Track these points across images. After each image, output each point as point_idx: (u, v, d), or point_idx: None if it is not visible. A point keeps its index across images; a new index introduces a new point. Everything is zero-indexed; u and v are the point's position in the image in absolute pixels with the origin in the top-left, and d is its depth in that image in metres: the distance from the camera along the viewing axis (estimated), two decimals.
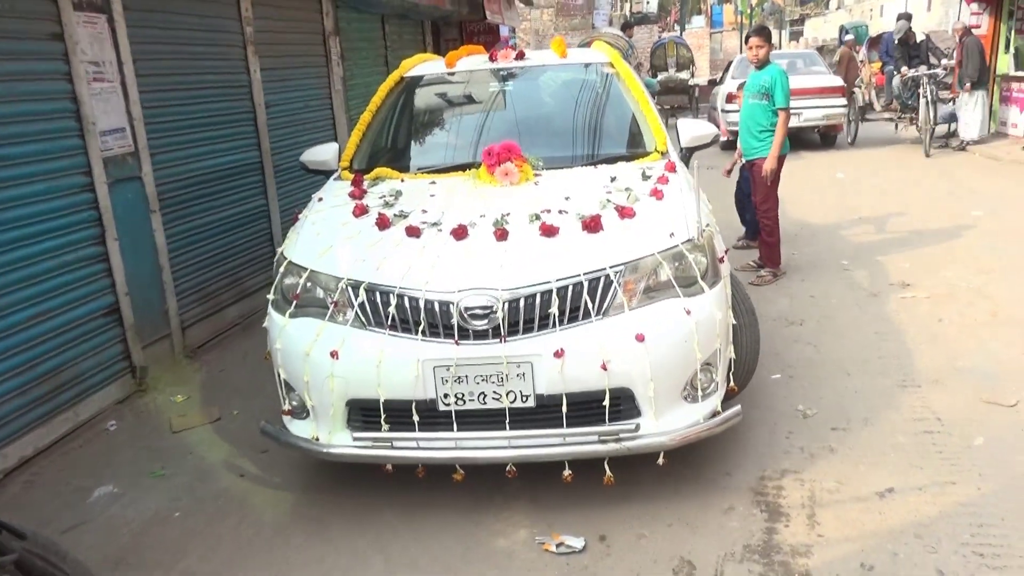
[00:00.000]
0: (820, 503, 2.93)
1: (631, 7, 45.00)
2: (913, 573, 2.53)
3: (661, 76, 19.41)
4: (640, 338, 2.70)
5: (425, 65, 4.62)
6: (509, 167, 3.46)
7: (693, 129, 4.06)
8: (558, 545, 2.76)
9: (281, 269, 3.11)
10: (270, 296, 3.15)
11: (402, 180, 3.69)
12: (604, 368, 2.67)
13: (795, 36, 45.31)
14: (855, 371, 4.08)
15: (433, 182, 3.62)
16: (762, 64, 5.67)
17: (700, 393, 2.85)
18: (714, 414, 2.89)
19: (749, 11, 43.13)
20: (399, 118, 4.42)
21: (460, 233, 2.97)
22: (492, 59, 4.42)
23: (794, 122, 12.60)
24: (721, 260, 3.07)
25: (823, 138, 13.16)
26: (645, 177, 3.40)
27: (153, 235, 4.55)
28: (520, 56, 4.42)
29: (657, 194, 3.20)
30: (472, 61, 4.50)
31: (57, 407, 3.83)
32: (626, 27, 14.34)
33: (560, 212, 3.08)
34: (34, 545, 2.11)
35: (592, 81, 4.35)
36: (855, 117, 13.00)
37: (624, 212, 3.05)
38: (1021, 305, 4.87)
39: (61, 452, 3.75)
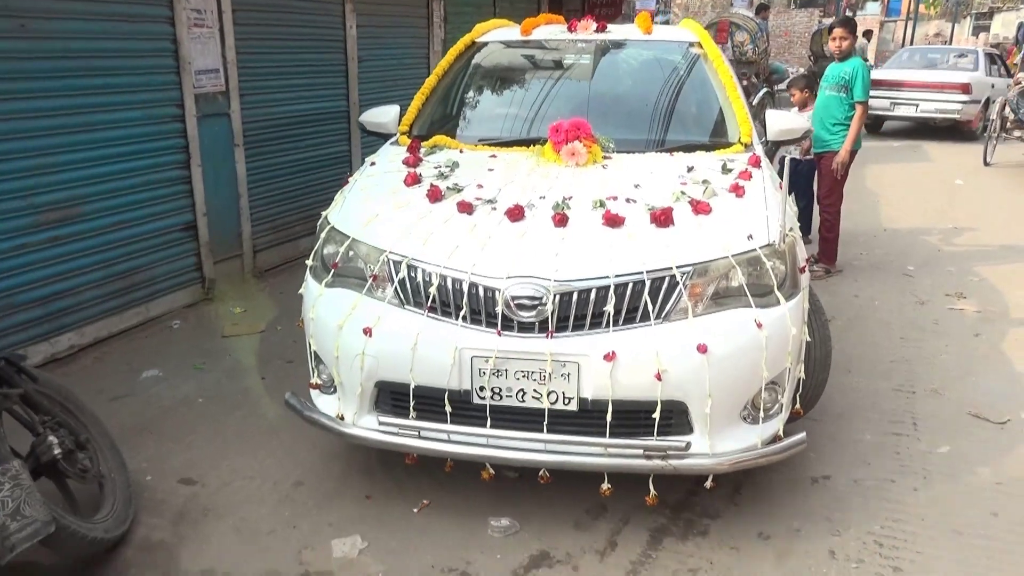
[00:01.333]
0: (751, 478, 3.06)
1: None
2: (806, 548, 2.66)
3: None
4: (702, 349, 2.47)
5: (499, 31, 4.46)
6: (577, 146, 3.24)
7: (781, 121, 3.75)
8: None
9: (323, 235, 2.98)
10: (309, 262, 3.01)
11: (460, 151, 3.52)
12: (658, 378, 2.46)
13: (978, 31, 41.52)
14: (858, 370, 4.08)
15: (493, 155, 3.43)
16: (844, 56, 5.55)
17: (761, 414, 2.64)
18: (775, 439, 2.66)
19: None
20: (465, 85, 4.22)
21: (515, 214, 2.77)
22: (571, 29, 4.19)
23: (908, 112, 12.54)
24: (802, 270, 2.84)
25: (959, 133, 12.74)
26: (726, 170, 3.14)
27: (235, 166, 5.16)
28: (601, 28, 4.18)
29: (737, 190, 2.96)
30: (549, 30, 4.30)
31: (132, 302, 4.52)
32: (760, 10, 13.88)
33: (627, 201, 2.86)
34: (46, 388, 2.67)
35: (676, 61, 4.06)
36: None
37: (699, 207, 2.80)
38: None
39: (129, 339, 4.44)
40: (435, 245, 2.70)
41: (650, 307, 2.52)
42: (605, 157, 3.33)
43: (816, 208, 6.08)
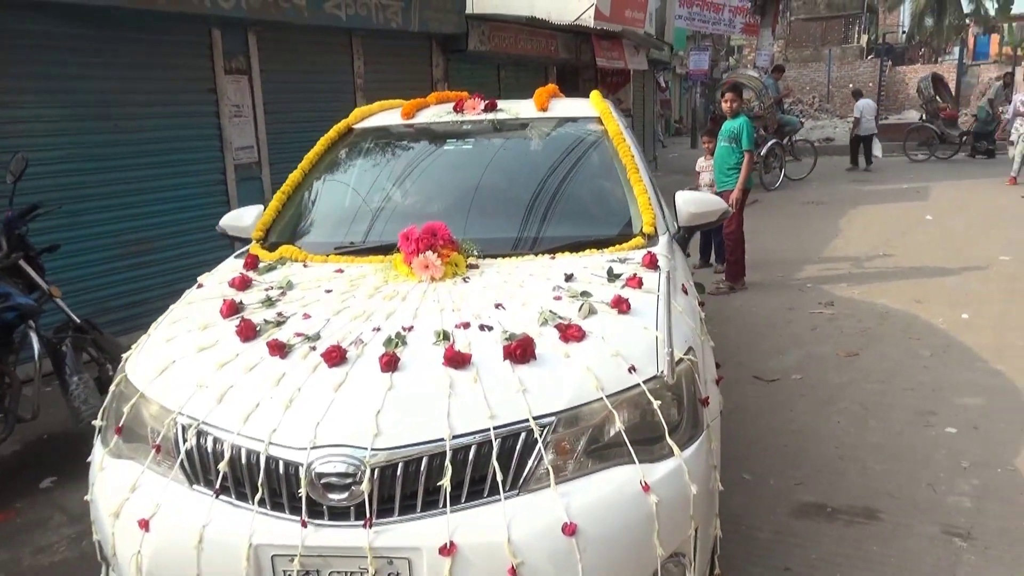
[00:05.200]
0: None
1: (880, 36, 43.21)
2: None
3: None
4: (570, 530, 1.91)
5: (381, 115, 4.03)
6: (430, 258, 2.68)
7: (694, 204, 3.24)
8: None
9: (113, 387, 2.43)
10: (97, 422, 2.45)
11: (305, 264, 2.98)
12: (512, 573, 1.89)
13: None
14: None
15: (340, 270, 2.86)
16: (734, 114, 6.96)
17: None
18: None
19: (1018, 42, 39.89)
20: (334, 180, 3.68)
21: (334, 357, 2.17)
22: (457, 109, 3.80)
23: None
24: (705, 402, 2.25)
25: None
26: (612, 276, 2.58)
27: None
28: (491, 107, 3.79)
29: (621, 305, 2.37)
30: (433, 112, 3.90)
31: None
32: (776, 70, 15.18)
33: (482, 328, 2.29)
34: (108, 339, 4.47)
35: (572, 141, 3.63)
36: None
37: (568, 333, 2.23)
38: (900, 335, 5.76)
39: None
40: (232, 403, 2.12)
41: (499, 476, 1.95)
42: (470, 267, 2.78)
43: None
